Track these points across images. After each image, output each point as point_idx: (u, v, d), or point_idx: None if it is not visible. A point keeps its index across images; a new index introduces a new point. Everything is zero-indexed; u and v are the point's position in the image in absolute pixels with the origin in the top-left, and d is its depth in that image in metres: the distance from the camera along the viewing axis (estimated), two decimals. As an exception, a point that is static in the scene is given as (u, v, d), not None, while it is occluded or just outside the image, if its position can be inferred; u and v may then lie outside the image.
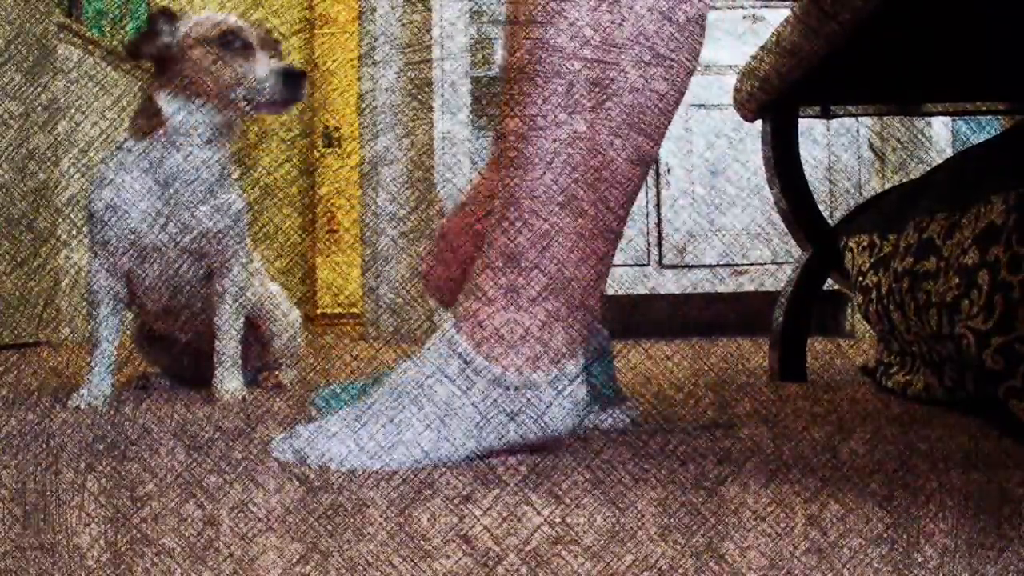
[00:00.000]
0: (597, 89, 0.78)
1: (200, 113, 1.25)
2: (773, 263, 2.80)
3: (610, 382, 0.95)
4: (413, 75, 2.94)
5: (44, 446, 0.87)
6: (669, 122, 0.81)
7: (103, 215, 1.26)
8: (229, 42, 1.23)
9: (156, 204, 1.26)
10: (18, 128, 2.83)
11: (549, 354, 0.79)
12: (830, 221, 2.28)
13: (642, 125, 0.77)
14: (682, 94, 0.80)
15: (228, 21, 1.24)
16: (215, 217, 1.29)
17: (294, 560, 0.49)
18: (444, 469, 0.74)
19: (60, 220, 3.01)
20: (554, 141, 0.79)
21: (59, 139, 3.03)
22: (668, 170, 2.81)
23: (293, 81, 1.22)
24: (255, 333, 1.50)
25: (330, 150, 5.99)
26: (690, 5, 0.76)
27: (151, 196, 1.26)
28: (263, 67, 1.23)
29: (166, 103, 1.25)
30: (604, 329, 0.94)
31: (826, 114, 1.54)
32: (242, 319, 1.35)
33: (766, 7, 2.85)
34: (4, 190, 2.76)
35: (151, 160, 1.26)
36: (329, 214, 5.93)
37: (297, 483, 0.69)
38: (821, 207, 2.75)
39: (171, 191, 1.26)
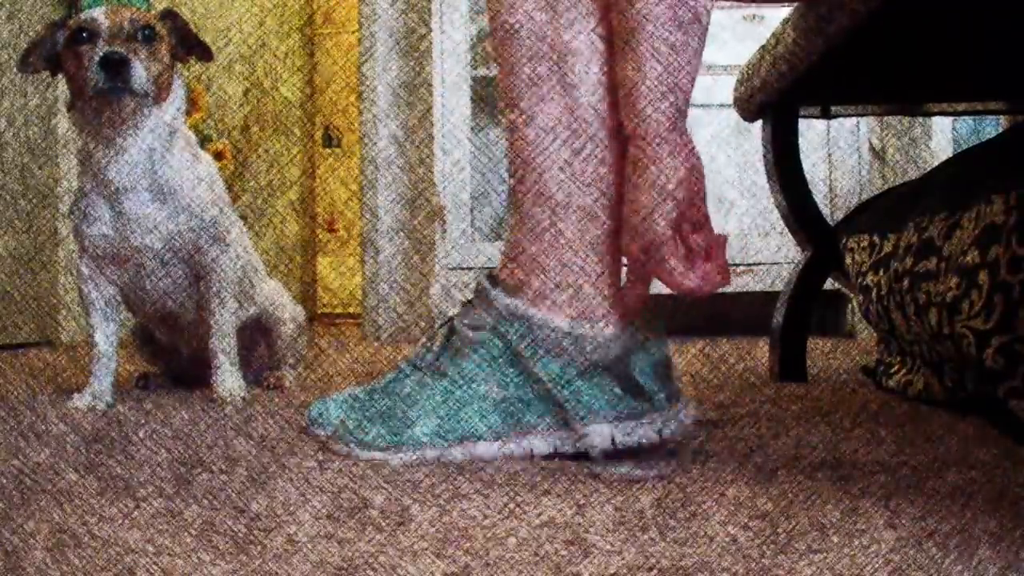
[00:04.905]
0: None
1: (91, 110, 1.23)
2: (773, 263, 2.80)
3: (659, 377, 0.81)
4: (413, 75, 2.94)
5: (44, 446, 0.87)
6: None
7: (78, 223, 1.28)
8: (79, 38, 1.22)
9: (110, 210, 1.26)
10: (18, 128, 2.83)
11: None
12: (830, 221, 2.28)
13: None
14: None
15: (86, 16, 1.23)
16: (178, 218, 1.28)
17: (294, 560, 0.49)
18: (444, 469, 0.74)
19: (60, 220, 3.00)
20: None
21: (59, 139, 3.03)
22: (668, 170, 2.81)
23: (112, 68, 1.18)
24: (257, 333, 1.50)
25: (330, 150, 5.99)
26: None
27: (106, 203, 1.26)
28: (95, 56, 1.20)
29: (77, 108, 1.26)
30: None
31: (826, 114, 1.54)
32: (236, 316, 1.35)
33: (766, 7, 2.84)
34: (4, 190, 2.76)
35: (96, 165, 1.26)
36: (329, 214, 5.93)
37: (297, 483, 0.69)
38: (821, 207, 2.75)
39: (120, 198, 1.26)
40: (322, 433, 0.85)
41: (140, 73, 1.20)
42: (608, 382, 0.77)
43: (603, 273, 0.81)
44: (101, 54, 1.18)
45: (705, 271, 0.75)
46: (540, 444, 0.78)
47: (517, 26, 0.80)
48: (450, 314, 0.86)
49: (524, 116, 0.81)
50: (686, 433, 0.80)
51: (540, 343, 0.78)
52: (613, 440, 0.76)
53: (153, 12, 1.30)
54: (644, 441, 0.77)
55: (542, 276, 0.80)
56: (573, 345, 0.78)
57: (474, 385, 0.79)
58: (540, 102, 0.80)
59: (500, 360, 0.79)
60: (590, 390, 0.77)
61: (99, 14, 1.22)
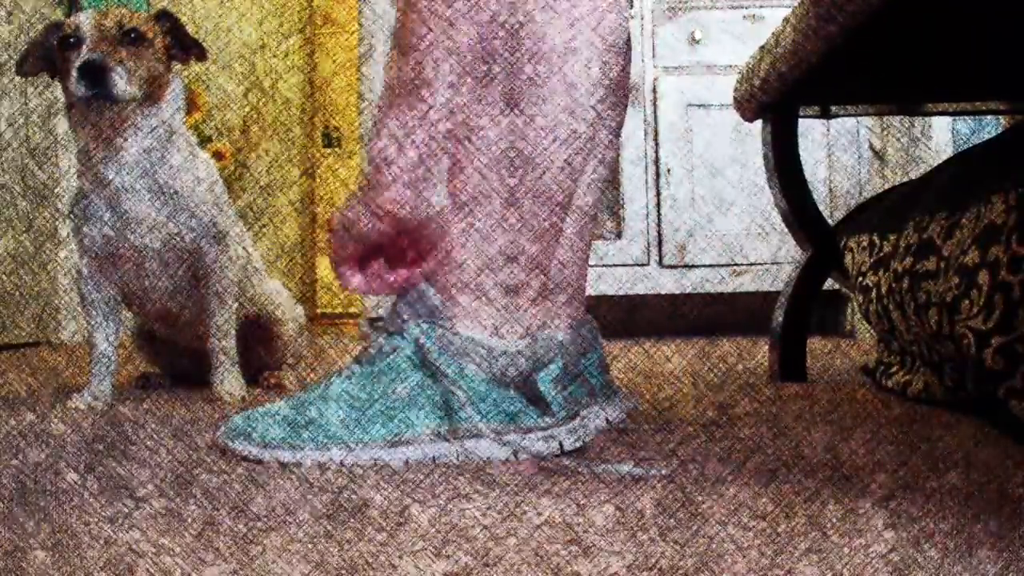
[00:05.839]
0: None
1: (88, 111, 1.23)
2: (773, 263, 2.80)
3: (600, 373, 0.93)
4: (413, 75, 2.94)
5: (44, 446, 0.87)
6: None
7: (78, 223, 1.28)
8: (67, 42, 1.22)
9: (110, 211, 1.26)
10: (18, 128, 2.83)
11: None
12: (830, 221, 2.28)
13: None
14: None
15: (72, 20, 1.22)
16: (177, 218, 1.28)
17: (294, 560, 0.49)
18: (444, 469, 0.74)
19: (60, 220, 3.00)
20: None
21: (59, 139, 3.03)
22: (668, 170, 2.81)
23: (91, 74, 1.17)
24: (257, 333, 1.50)
25: (330, 150, 5.99)
26: None
27: (105, 203, 1.27)
28: (77, 62, 1.19)
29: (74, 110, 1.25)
30: (591, 319, 0.92)
31: (826, 114, 1.54)
32: (235, 317, 1.35)
33: (766, 7, 2.85)
34: (4, 190, 2.76)
35: (95, 165, 1.26)
36: (329, 214, 5.93)
37: (297, 483, 0.69)
38: (821, 207, 2.75)
39: (119, 199, 1.26)
40: (240, 447, 0.80)
41: (121, 79, 1.19)
42: (513, 394, 0.77)
43: (520, 286, 0.80)
44: (81, 61, 1.18)
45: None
46: (433, 451, 0.77)
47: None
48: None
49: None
50: (622, 415, 0.83)
51: (453, 350, 0.78)
52: (515, 452, 0.77)
53: (146, 13, 1.30)
54: (544, 452, 0.77)
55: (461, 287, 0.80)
56: (483, 355, 0.77)
57: (382, 387, 0.78)
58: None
59: (412, 363, 0.78)
60: (494, 400, 0.77)
61: (85, 18, 1.22)
